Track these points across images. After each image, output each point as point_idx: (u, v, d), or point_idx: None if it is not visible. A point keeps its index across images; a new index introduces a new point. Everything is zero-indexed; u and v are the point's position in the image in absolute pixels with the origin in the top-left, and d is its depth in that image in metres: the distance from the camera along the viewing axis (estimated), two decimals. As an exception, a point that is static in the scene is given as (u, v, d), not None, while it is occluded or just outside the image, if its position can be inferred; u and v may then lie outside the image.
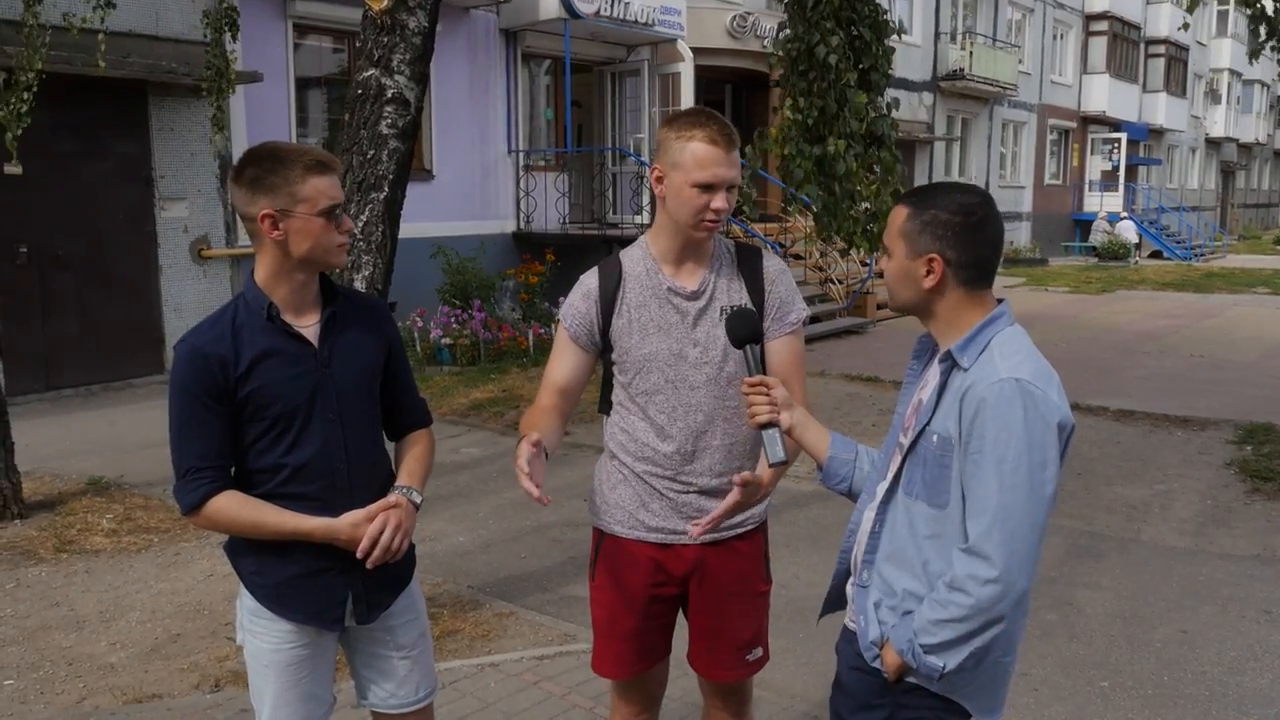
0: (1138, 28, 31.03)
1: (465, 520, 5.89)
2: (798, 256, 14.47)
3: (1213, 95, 38.05)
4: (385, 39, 4.18)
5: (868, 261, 13.52)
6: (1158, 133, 33.05)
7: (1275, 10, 7.63)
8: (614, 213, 14.26)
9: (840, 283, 14.35)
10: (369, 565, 2.10)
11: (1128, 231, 26.57)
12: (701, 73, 15.02)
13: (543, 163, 13.83)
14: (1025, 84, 25.85)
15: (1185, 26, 9.37)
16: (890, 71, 7.33)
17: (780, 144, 7.12)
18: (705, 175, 2.19)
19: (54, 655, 4.09)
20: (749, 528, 2.42)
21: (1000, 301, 1.91)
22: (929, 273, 1.86)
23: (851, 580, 2.06)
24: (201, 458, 2.07)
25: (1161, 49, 32.11)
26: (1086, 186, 29.97)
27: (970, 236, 1.85)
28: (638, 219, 13.19)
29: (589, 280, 2.40)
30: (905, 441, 1.93)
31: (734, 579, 2.41)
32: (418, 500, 2.23)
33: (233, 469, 2.13)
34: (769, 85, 13.39)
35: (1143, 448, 7.50)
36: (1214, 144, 39.25)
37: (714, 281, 2.34)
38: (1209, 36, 36.84)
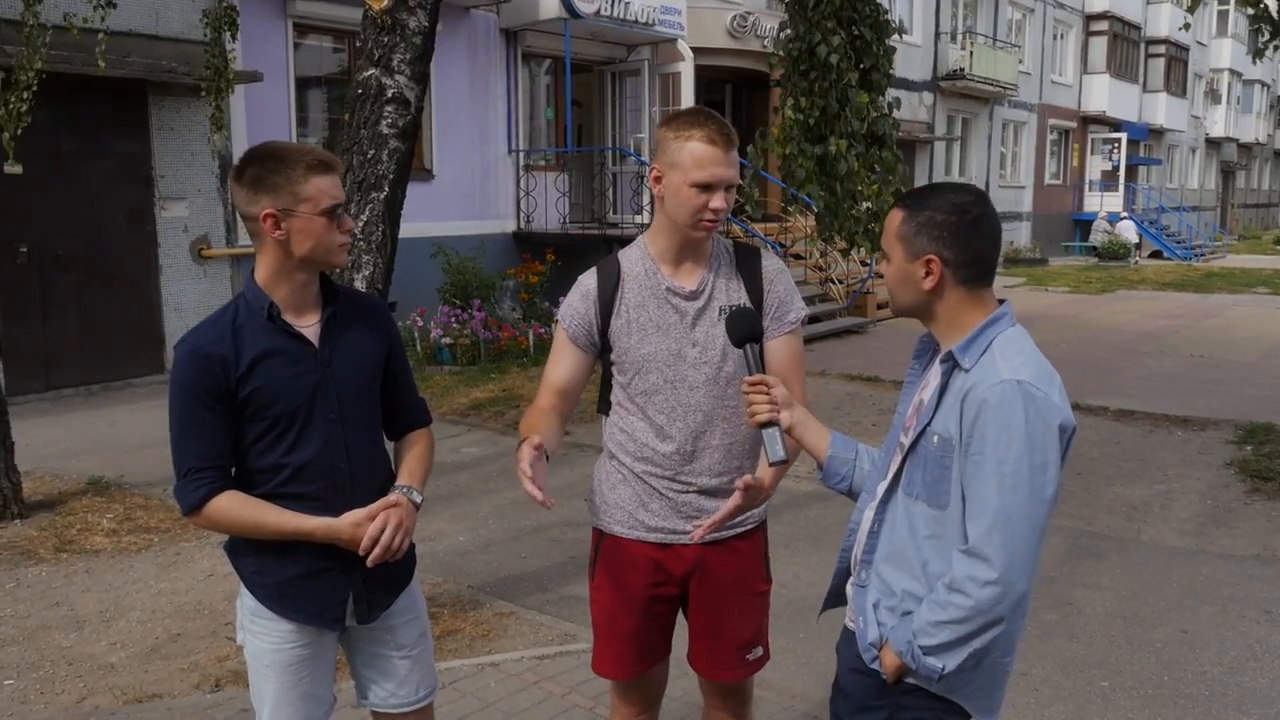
0: (1138, 28, 31.04)
1: (465, 520, 5.90)
2: (798, 256, 14.47)
3: (1213, 95, 38.05)
4: (385, 39, 4.18)
5: (868, 261, 13.53)
6: (1158, 133, 33.06)
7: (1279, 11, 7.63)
8: (614, 213, 14.27)
9: (840, 283, 14.35)
10: (369, 564, 2.10)
11: (1128, 231, 26.57)
12: (702, 73, 15.03)
13: (543, 162, 13.83)
14: (1025, 84, 25.86)
15: (1186, 26, 9.38)
16: (891, 71, 7.34)
17: (782, 144, 7.13)
18: (704, 175, 2.19)
19: (54, 655, 4.09)
20: (749, 527, 2.42)
21: (1002, 302, 1.91)
22: (927, 274, 1.86)
23: (850, 580, 2.06)
24: (202, 458, 2.07)
25: (1162, 49, 32.12)
26: (1086, 186, 29.97)
27: (966, 235, 1.85)
28: (638, 219, 13.19)
29: (587, 281, 2.40)
30: (906, 441, 1.93)
31: (734, 578, 2.41)
32: (418, 499, 2.23)
33: (233, 469, 2.13)
34: (769, 85, 13.38)
35: (1143, 448, 7.50)
36: (1214, 144, 39.26)
37: (712, 281, 2.34)
38: (1209, 36, 36.84)
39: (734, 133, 2.25)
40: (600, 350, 2.39)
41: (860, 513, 2.04)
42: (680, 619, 2.49)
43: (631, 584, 2.40)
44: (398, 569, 2.25)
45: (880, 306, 14.03)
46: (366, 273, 4.14)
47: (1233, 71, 37.87)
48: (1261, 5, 7.49)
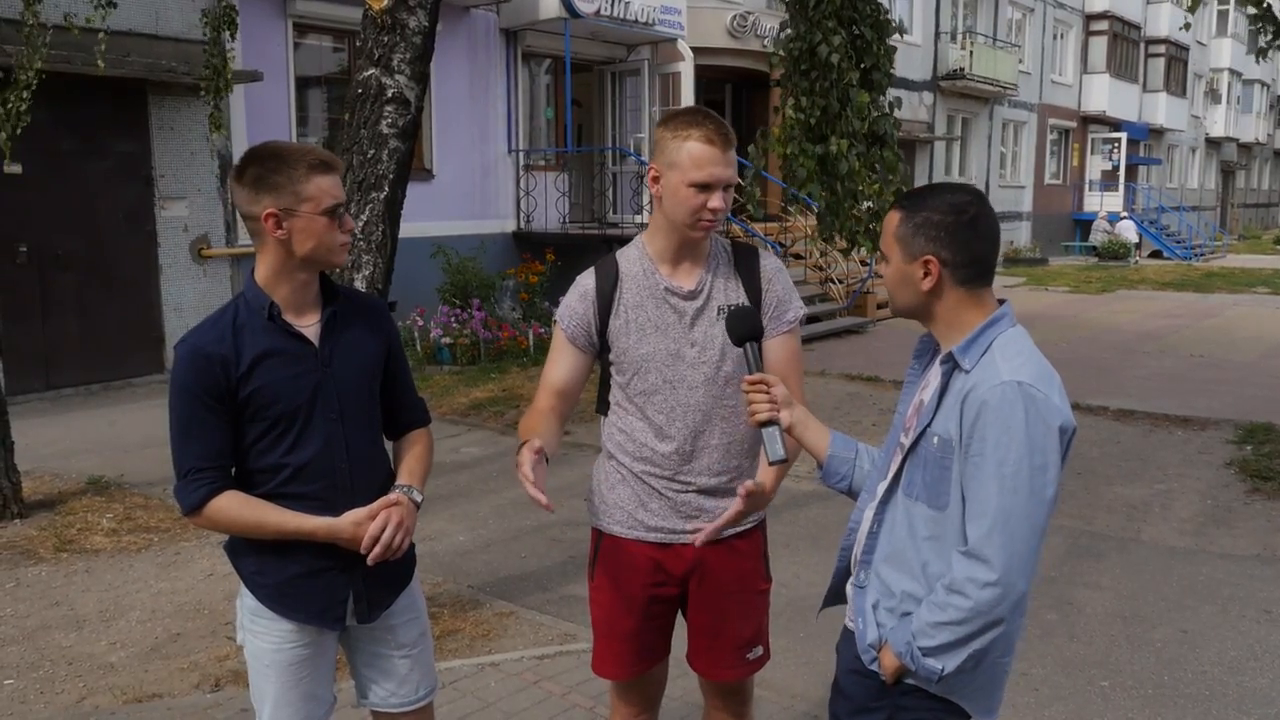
0: (1138, 27, 31.04)
1: (465, 520, 5.90)
2: (798, 256, 14.48)
3: (1213, 95, 38.05)
4: (385, 38, 4.18)
5: (868, 261, 13.52)
6: (1158, 132, 33.06)
7: None
8: (614, 212, 14.27)
9: (840, 282, 14.35)
10: (370, 562, 2.11)
11: (1128, 231, 26.58)
12: (702, 72, 15.02)
13: (543, 162, 13.83)
14: (1025, 84, 25.86)
15: (1186, 26, 9.37)
16: (892, 71, 7.34)
17: (782, 143, 7.13)
18: (702, 175, 2.19)
19: (54, 655, 4.09)
20: (748, 526, 2.41)
21: (1002, 302, 1.91)
22: (926, 274, 1.86)
23: (850, 580, 2.05)
24: (202, 458, 2.07)
25: (1161, 49, 32.12)
26: (1086, 186, 29.98)
27: (964, 235, 1.85)
28: (638, 219, 13.19)
29: (586, 281, 2.40)
30: (906, 442, 1.93)
31: (733, 578, 2.41)
32: (418, 499, 2.24)
33: (234, 469, 2.13)
34: (769, 85, 13.38)
35: (1143, 447, 7.50)
36: (1214, 144, 39.26)
37: (711, 281, 2.34)
38: (1209, 36, 36.83)
39: (732, 132, 2.25)
40: (599, 350, 2.39)
41: (860, 512, 2.04)
42: (680, 619, 2.49)
43: (631, 584, 2.39)
44: (398, 568, 2.26)
45: (880, 306, 14.03)
46: (366, 272, 4.14)
47: (1233, 71, 37.87)
48: (1264, 5, 7.48)
